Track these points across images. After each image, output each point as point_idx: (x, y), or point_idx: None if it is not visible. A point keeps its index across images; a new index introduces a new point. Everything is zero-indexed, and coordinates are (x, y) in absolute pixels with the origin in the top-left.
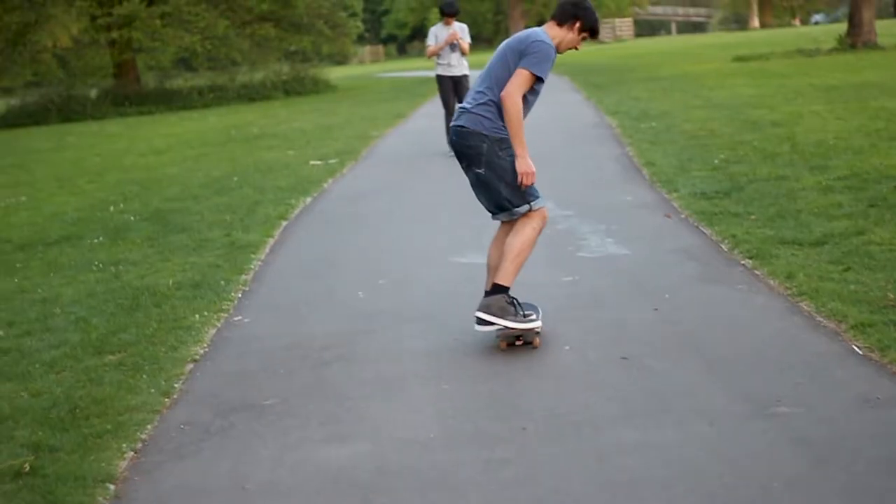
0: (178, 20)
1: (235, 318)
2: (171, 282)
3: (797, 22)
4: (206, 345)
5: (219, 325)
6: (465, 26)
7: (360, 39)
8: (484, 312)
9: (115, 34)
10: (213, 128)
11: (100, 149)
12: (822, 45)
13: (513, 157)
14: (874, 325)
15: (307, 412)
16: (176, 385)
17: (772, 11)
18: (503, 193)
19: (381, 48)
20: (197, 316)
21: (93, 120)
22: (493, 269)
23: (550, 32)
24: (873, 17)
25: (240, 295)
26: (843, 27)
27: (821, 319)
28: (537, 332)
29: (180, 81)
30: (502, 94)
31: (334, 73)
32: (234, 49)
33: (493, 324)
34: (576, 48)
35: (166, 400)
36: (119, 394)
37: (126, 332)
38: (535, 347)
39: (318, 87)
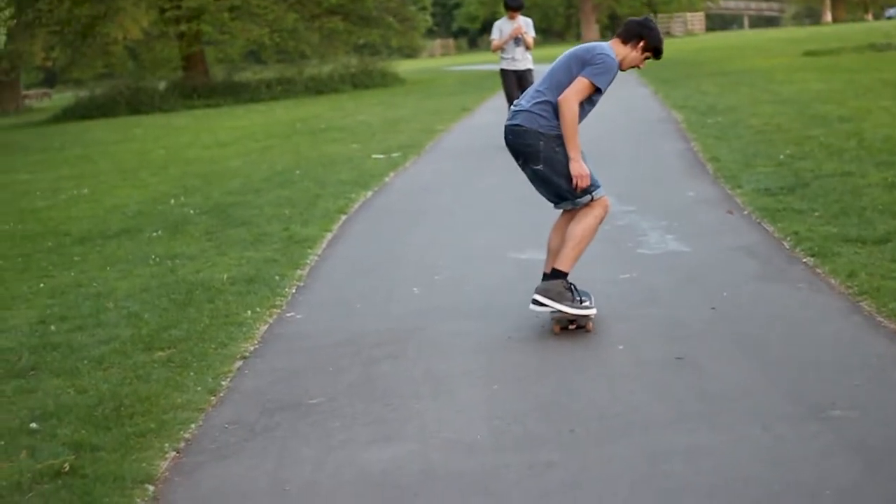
0: (247, 13)
1: (288, 315)
2: (225, 276)
3: (870, 16)
4: (256, 341)
5: (271, 321)
6: (529, 20)
7: (430, 33)
8: (541, 295)
9: (183, 27)
10: (279, 120)
11: (165, 141)
12: (894, 40)
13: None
14: None
15: (353, 412)
16: (223, 383)
17: (845, 6)
18: (563, 186)
19: (451, 41)
20: (249, 312)
21: (161, 112)
22: (553, 253)
23: (615, 49)
24: None
25: (294, 290)
26: None
27: (881, 319)
28: (591, 318)
29: (249, 74)
30: (560, 97)
31: (403, 67)
32: (302, 42)
33: (548, 306)
34: (639, 66)
35: (212, 398)
36: (165, 391)
37: (177, 328)
38: (587, 331)
39: (387, 81)
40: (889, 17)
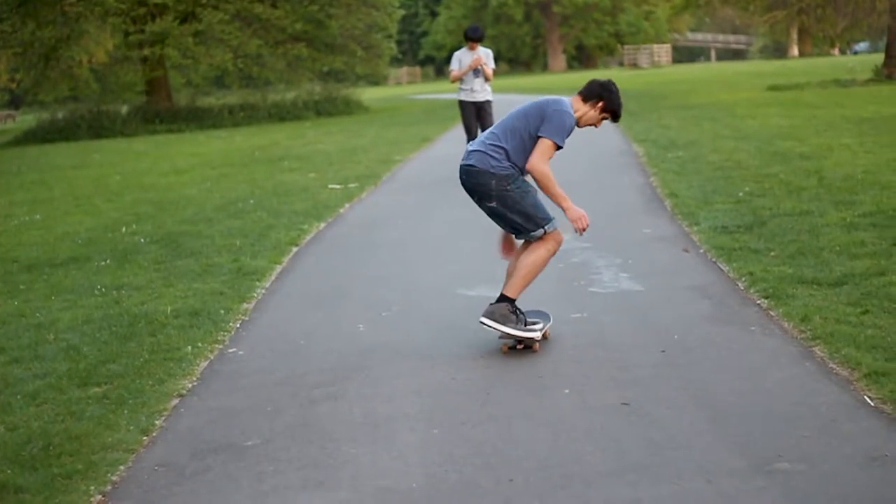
0: (211, 38)
1: (230, 350)
2: (169, 309)
3: (836, 51)
4: (195, 378)
5: (212, 357)
6: (489, 52)
7: (397, 60)
8: (487, 318)
9: (147, 51)
10: (238, 148)
11: (123, 167)
12: (859, 75)
13: (519, 188)
14: (888, 375)
15: (288, 455)
16: (157, 422)
17: (811, 40)
18: (517, 221)
19: (418, 69)
20: (190, 347)
21: (122, 137)
22: (510, 276)
23: (575, 105)
24: None
25: (238, 325)
26: (881, 58)
27: (833, 366)
28: (536, 340)
29: (212, 100)
30: (528, 165)
31: (369, 94)
32: (267, 68)
33: (493, 328)
34: (595, 126)
35: (144, 438)
36: (97, 430)
37: (115, 363)
38: (534, 351)
39: (350, 108)
40: (856, 53)
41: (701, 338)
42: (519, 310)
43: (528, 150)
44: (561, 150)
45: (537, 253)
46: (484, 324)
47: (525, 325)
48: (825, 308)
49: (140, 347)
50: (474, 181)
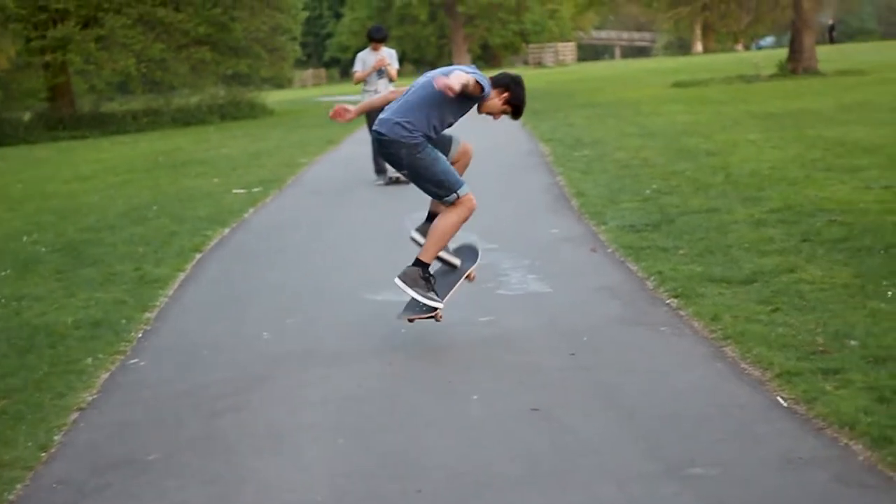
0: (114, 43)
1: (131, 362)
2: (70, 320)
3: (740, 47)
4: (96, 391)
5: (113, 368)
6: (393, 52)
7: (302, 63)
8: (400, 279)
9: (49, 57)
10: (142, 153)
11: (25, 175)
12: (763, 70)
13: (428, 156)
14: (801, 374)
15: (190, 470)
16: (56, 437)
17: (715, 36)
18: (430, 187)
19: (323, 71)
20: (90, 359)
21: (25, 144)
22: (432, 205)
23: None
24: (813, 43)
25: (140, 335)
26: (785, 52)
27: (745, 366)
28: (438, 310)
29: (115, 105)
30: (439, 79)
31: (274, 97)
32: (170, 72)
33: (401, 289)
34: (494, 117)
35: (43, 454)
36: None
37: (15, 376)
38: (437, 320)
39: (255, 112)
40: (760, 48)
41: (611, 339)
42: (431, 276)
43: (435, 112)
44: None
45: (448, 217)
46: (397, 284)
47: (430, 293)
48: (735, 307)
49: (40, 360)
50: (385, 150)
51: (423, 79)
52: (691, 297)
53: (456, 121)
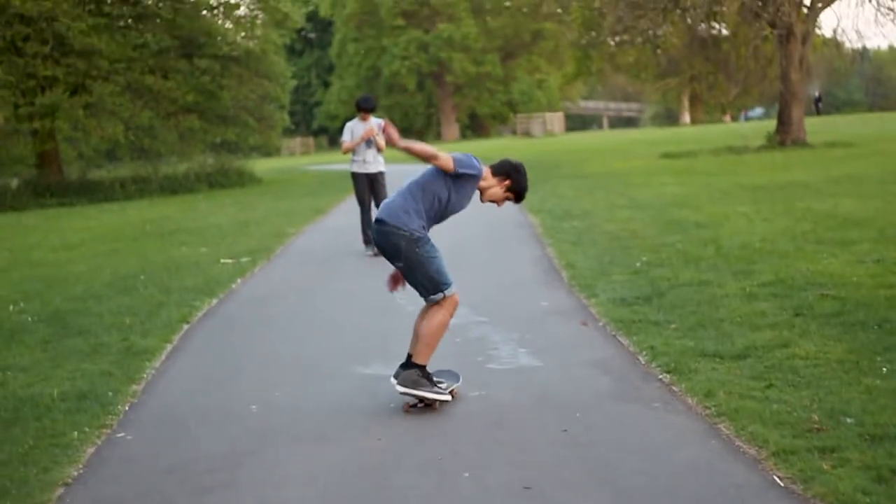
0: (102, 110)
1: (118, 435)
2: (56, 392)
3: (728, 118)
4: (81, 465)
5: (99, 442)
6: (382, 122)
7: (291, 131)
8: (400, 384)
9: (37, 124)
10: (129, 222)
11: (11, 242)
12: (752, 142)
13: (426, 252)
14: (797, 452)
15: None
16: None
17: (703, 107)
18: (419, 283)
19: (311, 140)
20: (76, 433)
21: (13, 211)
22: (416, 334)
23: (484, 175)
24: (802, 115)
25: (127, 408)
26: (773, 124)
27: (740, 444)
28: (443, 399)
29: (103, 173)
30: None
31: (262, 165)
32: (158, 140)
33: (406, 393)
34: (497, 204)
35: None
36: None
37: None
38: (434, 409)
39: (243, 180)
40: (747, 119)
41: (603, 415)
42: (428, 374)
43: (436, 202)
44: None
45: (437, 318)
46: (399, 390)
47: (435, 386)
48: (729, 382)
49: (25, 433)
50: (385, 241)
51: (432, 168)
52: (684, 373)
53: (458, 209)
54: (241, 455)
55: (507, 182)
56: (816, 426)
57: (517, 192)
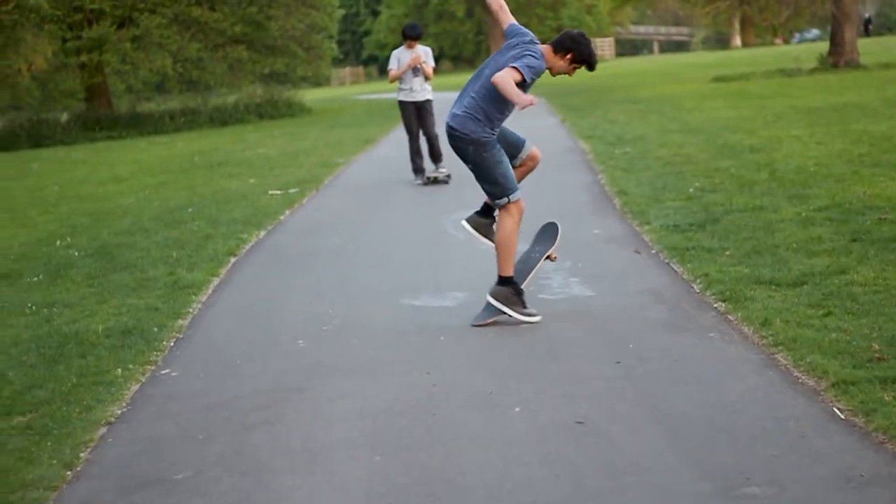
0: (150, 43)
1: (162, 372)
2: (101, 328)
3: (780, 41)
4: (125, 404)
5: (143, 379)
6: (429, 50)
7: (340, 61)
8: (493, 297)
9: (84, 57)
10: (179, 154)
11: (60, 176)
12: (804, 64)
13: (493, 156)
14: (857, 383)
15: (220, 488)
16: (82, 454)
17: (754, 30)
18: (486, 185)
19: (361, 69)
20: (120, 370)
21: (62, 145)
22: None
23: (547, 55)
24: (855, 36)
25: (172, 343)
26: (825, 46)
27: (799, 375)
28: (532, 322)
29: (152, 105)
30: (493, 78)
31: (312, 95)
32: (207, 72)
33: (497, 309)
34: (569, 74)
35: (68, 473)
36: (17, 465)
37: (42, 388)
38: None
39: (293, 111)
40: (803, 41)
41: (657, 346)
42: (521, 291)
43: (495, 105)
44: None
45: (503, 226)
46: (491, 303)
47: (527, 308)
48: (786, 310)
49: (68, 371)
50: (454, 143)
51: (492, 57)
52: (740, 301)
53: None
54: (287, 392)
55: (569, 55)
56: (877, 355)
57: (584, 62)
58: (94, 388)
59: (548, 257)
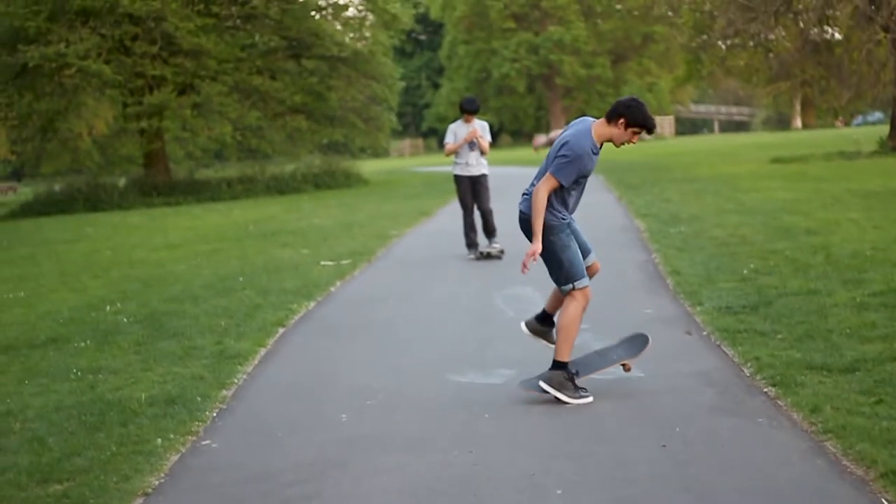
0: (210, 110)
1: (203, 443)
2: (144, 396)
3: (840, 123)
4: (163, 475)
5: (183, 450)
6: (485, 124)
7: (400, 132)
8: (545, 382)
9: (144, 123)
10: (234, 222)
11: (114, 241)
12: (864, 147)
13: (560, 241)
14: None
15: None
16: None
17: (814, 112)
18: (552, 269)
19: (420, 141)
20: (160, 440)
21: (119, 210)
22: (548, 305)
23: (598, 130)
24: None
25: (215, 414)
26: (884, 129)
27: (847, 464)
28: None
29: (210, 172)
30: (533, 190)
31: (370, 166)
32: (266, 140)
33: (549, 393)
34: (631, 142)
35: None
36: None
37: (81, 456)
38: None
39: (350, 181)
40: (865, 123)
41: (704, 430)
42: (574, 376)
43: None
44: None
45: (567, 311)
46: (543, 388)
47: (577, 392)
48: (836, 397)
49: (108, 439)
50: (524, 228)
51: (551, 150)
52: (790, 386)
53: (590, 174)
54: (328, 466)
55: (622, 121)
56: None
57: (640, 125)
58: (133, 457)
59: (623, 364)
